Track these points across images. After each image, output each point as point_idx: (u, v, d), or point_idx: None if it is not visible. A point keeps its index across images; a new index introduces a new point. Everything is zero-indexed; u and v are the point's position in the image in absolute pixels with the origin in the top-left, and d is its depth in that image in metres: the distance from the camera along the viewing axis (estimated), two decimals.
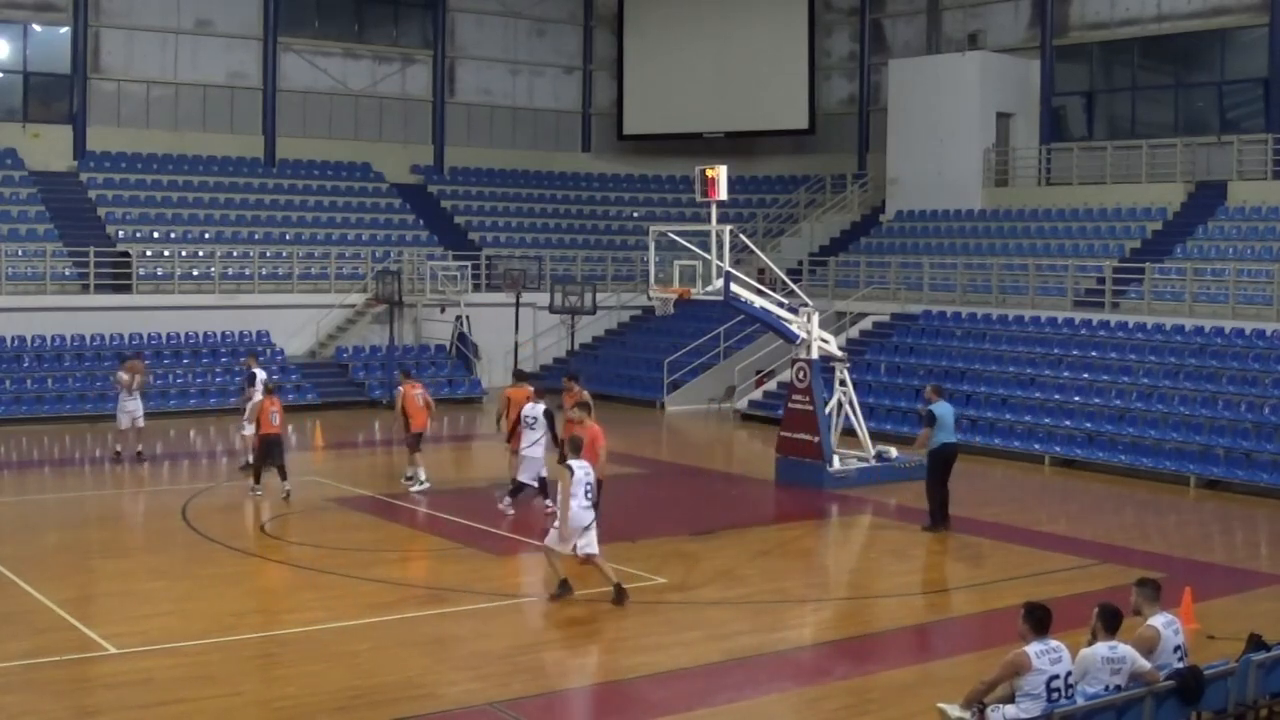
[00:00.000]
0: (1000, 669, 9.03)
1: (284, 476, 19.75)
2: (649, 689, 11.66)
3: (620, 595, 13.98)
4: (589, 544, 13.89)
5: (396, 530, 18.40)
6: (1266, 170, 30.47)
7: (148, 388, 24.62)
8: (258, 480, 19.84)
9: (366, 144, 39.33)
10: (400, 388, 21.00)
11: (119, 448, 23.27)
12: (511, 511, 18.58)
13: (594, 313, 34.15)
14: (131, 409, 23.18)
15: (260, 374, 22.28)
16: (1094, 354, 26.56)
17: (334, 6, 39.45)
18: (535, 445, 18.39)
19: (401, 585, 15.42)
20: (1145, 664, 9.13)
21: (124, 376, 23.36)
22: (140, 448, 23.39)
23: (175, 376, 30.03)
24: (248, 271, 33.19)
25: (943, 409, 18.32)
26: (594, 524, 13.95)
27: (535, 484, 18.52)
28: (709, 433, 29.44)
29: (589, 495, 13.95)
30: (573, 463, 14.09)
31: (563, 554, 14.02)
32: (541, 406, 18.68)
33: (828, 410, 21.98)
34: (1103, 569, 16.17)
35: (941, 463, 18.24)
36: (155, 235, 33.67)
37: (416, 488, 20.51)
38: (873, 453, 22.40)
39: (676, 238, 22.70)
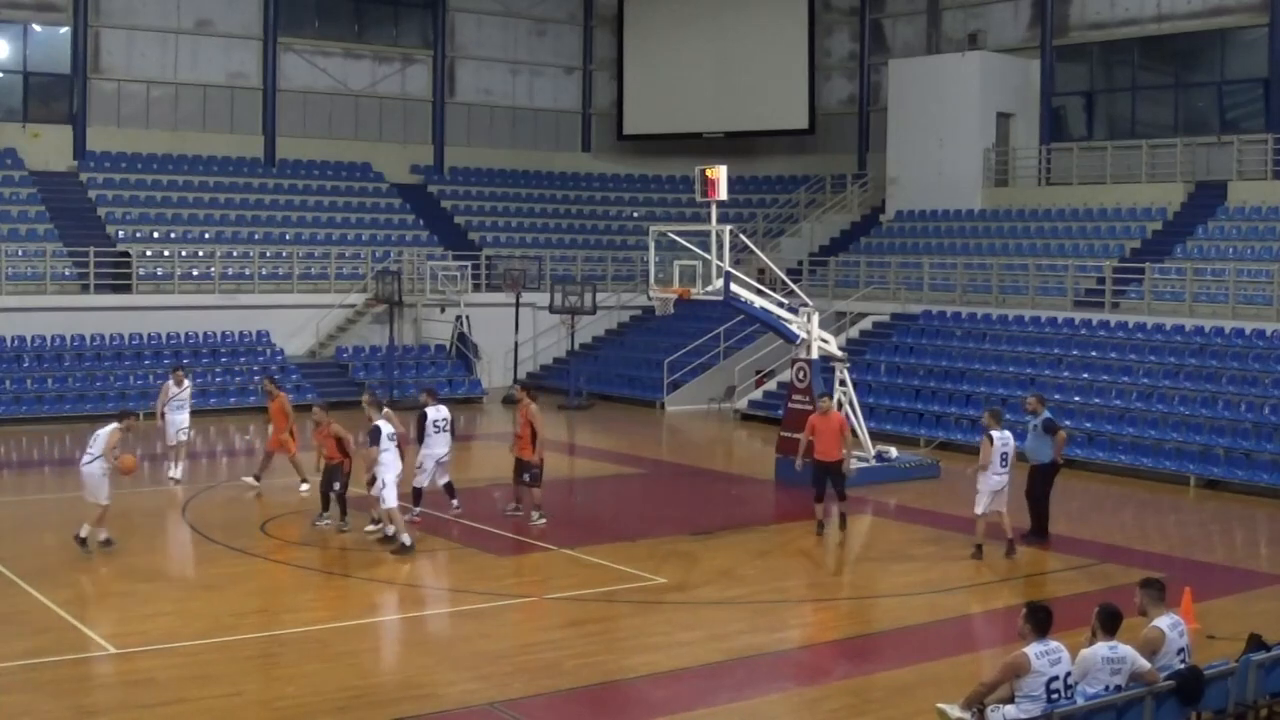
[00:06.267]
0: (1000, 670, 9.04)
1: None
2: (649, 689, 11.67)
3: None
4: None
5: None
6: (1266, 170, 30.45)
7: None
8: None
9: (366, 144, 39.32)
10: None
11: None
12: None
13: (594, 313, 34.12)
14: None
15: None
16: (1094, 354, 26.54)
17: (334, 6, 39.44)
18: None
19: (401, 585, 15.43)
20: (1145, 664, 9.14)
21: None
22: None
23: None
24: (248, 271, 33.18)
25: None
26: None
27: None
28: (709, 433, 29.42)
29: None
30: None
31: None
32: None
33: None
34: (1103, 569, 16.19)
35: (1055, 474, 18.03)
36: (155, 235, 33.65)
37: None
38: (873, 453, 22.41)
39: (676, 238, 22.70)
